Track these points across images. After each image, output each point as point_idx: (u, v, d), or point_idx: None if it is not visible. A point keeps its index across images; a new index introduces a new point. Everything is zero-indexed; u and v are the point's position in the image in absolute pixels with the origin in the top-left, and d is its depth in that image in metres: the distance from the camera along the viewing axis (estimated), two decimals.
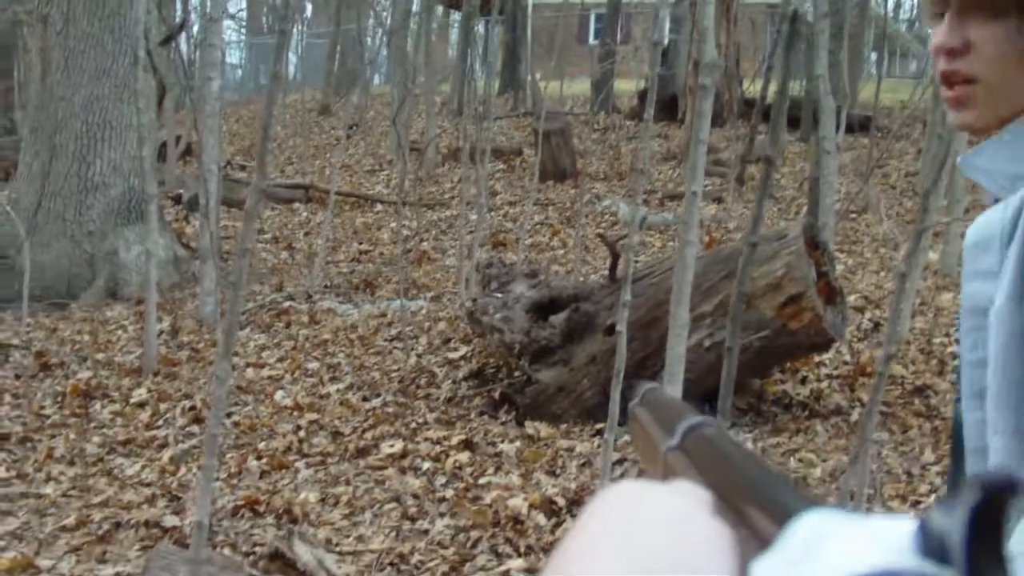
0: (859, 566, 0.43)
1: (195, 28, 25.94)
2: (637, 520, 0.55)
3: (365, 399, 7.82)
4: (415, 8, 23.98)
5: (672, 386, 5.77)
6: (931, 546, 0.42)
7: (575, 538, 0.55)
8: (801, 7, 18.69)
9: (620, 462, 6.15)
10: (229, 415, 7.34)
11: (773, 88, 18.73)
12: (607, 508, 0.58)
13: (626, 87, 24.71)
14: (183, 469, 6.45)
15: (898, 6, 46.97)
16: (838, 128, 10.88)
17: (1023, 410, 1.39)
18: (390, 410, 7.50)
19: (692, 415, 0.70)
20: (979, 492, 0.41)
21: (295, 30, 43.49)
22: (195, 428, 7.15)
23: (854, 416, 7.03)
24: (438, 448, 6.66)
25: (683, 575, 0.50)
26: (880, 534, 0.45)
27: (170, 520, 5.65)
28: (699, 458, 0.65)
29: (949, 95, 1.53)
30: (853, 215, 14.30)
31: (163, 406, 7.69)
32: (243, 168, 19.98)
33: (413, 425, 7.17)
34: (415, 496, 5.94)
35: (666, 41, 23.42)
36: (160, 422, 7.41)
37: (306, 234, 15.43)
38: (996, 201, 1.48)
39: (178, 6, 19.93)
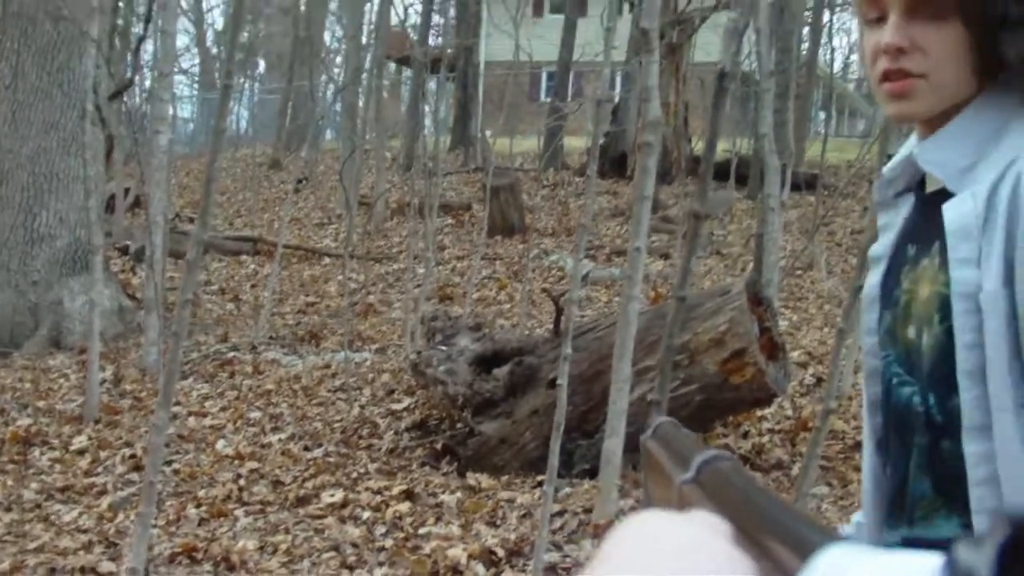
0: None
1: (147, 81, 25.92)
2: (660, 549, 0.55)
3: (307, 449, 7.79)
4: (366, 65, 24.03)
5: (613, 439, 5.81)
6: None
7: (598, 568, 0.56)
8: (747, 67, 18.85)
9: (560, 513, 6.16)
10: (169, 463, 7.30)
11: (722, 146, 18.89)
12: (629, 537, 0.58)
13: (576, 144, 24.84)
14: (121, 516, 6.41)
15: (846, 66, 47.38)
16: (784, 186, 10.98)
17: (1022, 387, 1.52)
18: (331, 460, 7.48)
19: (706, 449, 0.71)
20: (1008, 527, 0.40)
21: (247, 86, 43.52)
22: (135, 476, 7.09)
23: (795, 470, 7.06)
24: (379, 498, 6.63)
25: None
26: (906, 569, 0.45)
27: (106, 566, 5.61)
28: (715, 491, 0.65)
29: (888, 87, 1.65)
30: (799, 271, 14.41)
31: (103, 453, 7.64)
32: (191, 220, 19.87)
33: (354, 475, 7.15)
34: (354, 545, 5.92)
35: (616, 99, 23.60)
36: (99, 469, 7.36)
37: (252, 286, 15.39)
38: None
39: (129, 60, 19.88)
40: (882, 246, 1.84)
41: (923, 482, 1.66)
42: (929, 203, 1.72)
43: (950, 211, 1.58)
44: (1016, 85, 1.63)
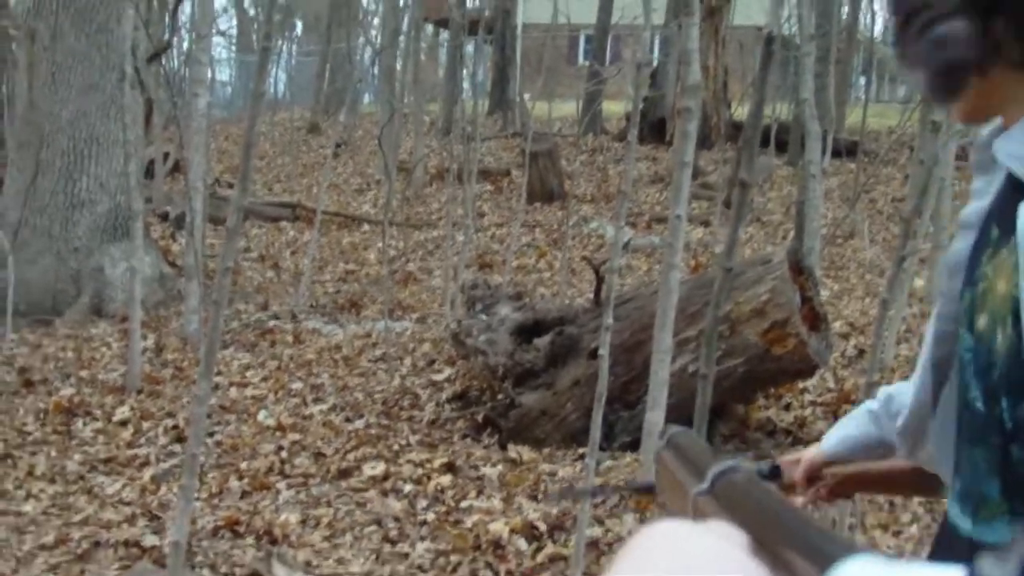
0: None
1: (185, 44, 25.95)
2: (678, 560, 0.55)
3: (348, 420, 7.79)
4: (404, 27, 23.97)
5: (655, 411, 5.77)
6: None
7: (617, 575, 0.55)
8: (787, 30, 18.75)
9: (602, 487, 6.14)
10: (211, 434, 7.32)
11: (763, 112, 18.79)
12: (648, 546, 0.58)
13: (615, 108, 24.73)
14: (164, 488, 6.43)
15: (887, 29, 47.04)
16: (824, 153, 10.90)
17: None
18: (373, 432, 7.48)
19: (721, 460, 0.70)
20: None
21: (284, 48, 43.53)
22: (177, 447, 7.11)
23: None
24: (420, 471, 6.63)
25: None
26: None
27: (150, 539, 5.63)
28: (731, 503, 0.66)
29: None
30: (839, 240, 14.32)
31: (145, 424, 7.66)
32: (231, 186, 19.89)
33: (395, 447, 7.15)
34: (396, 519, 5.93)
35: (655, 63, 23.47)
36: (142, 440, 7.38)
37: (292, 253, 15.41)
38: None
39: (167, 22, 19.87)
40: (974, 212, 1.75)
41: (992, 485, 1.62)
42: (1018, 187, 1.62)
43: None
44: None
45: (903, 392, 1.97)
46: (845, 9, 24.97)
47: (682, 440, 0.83)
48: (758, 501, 0.63)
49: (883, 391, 2.05)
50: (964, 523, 1.68)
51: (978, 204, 1.74)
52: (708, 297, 7.05)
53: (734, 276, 7.19)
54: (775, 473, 2.17)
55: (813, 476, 2.18)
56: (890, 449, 2.02)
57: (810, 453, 2.19)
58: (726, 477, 0.69)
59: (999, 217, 1.65)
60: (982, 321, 1.63)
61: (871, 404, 2.08)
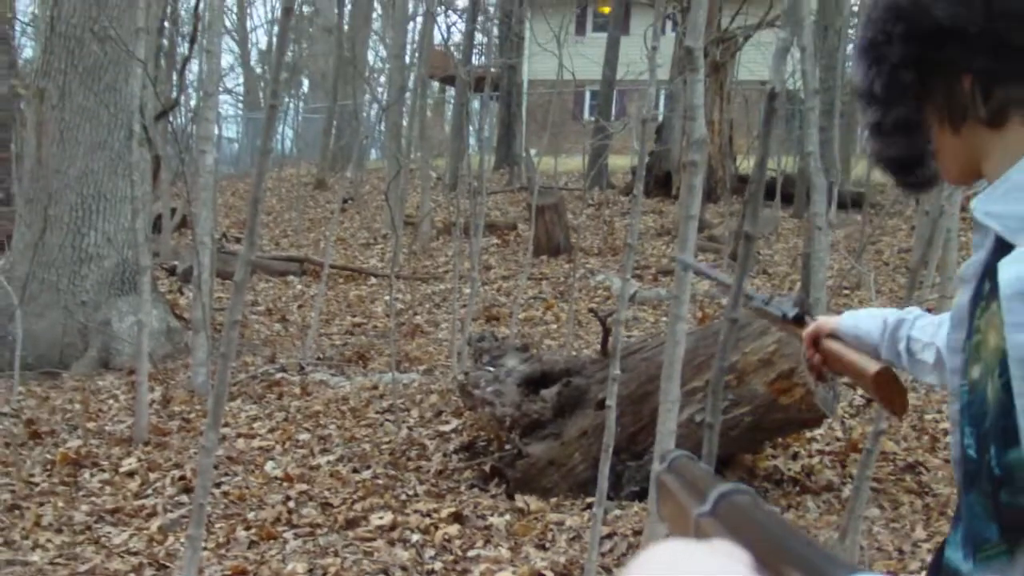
0: None
1: (192, 101, 26.11)
2: None
3: (355, 470, 7.79)
4: (410, 84, 24.11)
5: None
6: None
7: None
8: (792, 84, 18.83)
9: (610, 536, 6.13)
10: (219, 485, 7.33)
11: (768, 165, 18.87)
12: (653, 564, 0.58)
13: (621, 163, 24.85)
14: (171, 538, 6.42)
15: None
16: (830, 205, 10.93)
17: None
18: (380, 482, 7.48)
19: (723, 483, 0.70)
20: None
21: (291, 105, 43.74)
22: (184, 498, 7.12)
23: (845, 492, 7.01)
24: (427, 520, 6.63)
25: None
26: None
27: None
28: (733, 524, 0.66)
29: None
30: (846, 291, 14.33)
31: (153, 475, 7.67)
32: (238, 240, 20.02)
33: (403, 497, 7.15)
34: (403, 568, 5.91)
35: (660, 118, 23.59)
36: (149, 491, 7.38)
37: (300, 307, 15.45)
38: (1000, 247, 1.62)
39: (175, 80, 20.02)
40: (972, 266, 1.78)
41: (991, 528, 1.64)
42: (1004, 246, 1.67)
43: (1006, 270, 1.55)
44: None
45: (919, 331, 2.12)
46: (850, 63, 25.09)
47: (683, 463, 0.84)
48: (761, 523, 0.64)
49: (904, 320, 2.18)
50: (965, 566, 1.70)
51: (976, 258, 1.78)
52: (715, 348, 7.09)
53: (741, 327, 7.22)
54: (799, 319, 2.46)
55: (816, 338, 2.38)
56: (878, 355, 2.20)
57: (824, 319, 2.39)
58: (728, 499, 0.69)
59: (991, 272, 1.68)
60: (975, 372, 1.68)
61: (892, 315, 2.21)
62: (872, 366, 2.16)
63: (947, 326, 1.87)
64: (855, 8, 23.66)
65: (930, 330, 2.12)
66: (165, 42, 21.82)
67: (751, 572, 0.57)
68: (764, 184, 2.43)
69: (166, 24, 21.38)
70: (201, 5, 13.91)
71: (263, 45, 51.56)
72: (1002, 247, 1.64)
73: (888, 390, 2.15)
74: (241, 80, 51.78)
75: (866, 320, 2.27)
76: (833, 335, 2.33)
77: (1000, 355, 1.59)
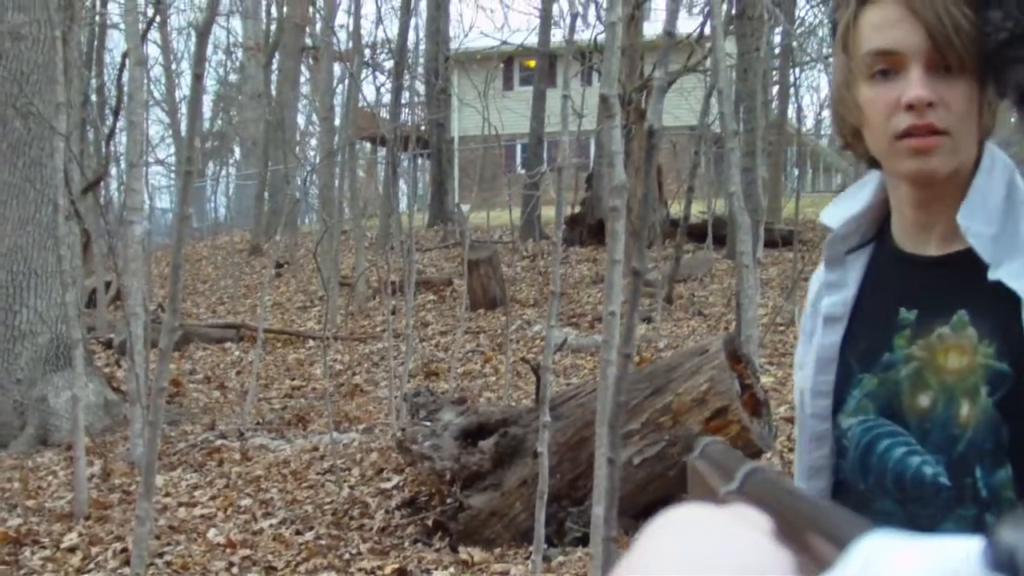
0: None
1: (124, 173, 26.01)
2: (700, 545, 0.56)
3: (298, 533, 7.77)
4: (337, 145, 24.18)
5: (601, 505, 5.79)
6: (999, 560, 0.42)
7: (636, 563, 0.57)
8: (717, 128, 19.01)
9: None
10: (160, 555, 7.29)
11: (696, 208, 19.02)
12: (669, 532, 0.59)
13: (553, 214, 24.88)
14: None
15: (818, 122, 47.94)
16: (758, 243, 11.02)
17: None
18: (323, 542, 7.46)
19: (751, 462, 0.73)
20: None
21: (224, 173, 43.67)
22: (126, 570, 7.04)
23: None
24: None
25: None
26: (946, 552, 0.45)
27: None
28: (758, 497, 0.67)
29: (914, 143, 1.61)
30: (781, 327, 14.43)
31: (95, 550, 7.61)
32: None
33: (347, 556, 7.14)
34: None
35: (591, 166, 23.73)
36: (91, 566, 7.32)
37: (238, 373, 15.38)
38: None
39: (103, 152, 19.99)
40: (839, 305, 1.82)
41: None
42: (934, 267, 1.72)
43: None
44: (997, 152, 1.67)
45: None
46: (775, 103, 25.38)
47: (715, 449, 0.86)
48: (786, 494, 0.65)
49: None
50: None
51: (840, 296, 1.82)
52: (648, 390, 7.16)
53: (673, 367, 7.31)
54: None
55: None
56: None
57: None
58: (756, 475, 0.71)
59: (908, 298, 1.73)
60: (921, 400, 1.68)
61: None
62: None
63: (807, 370, 1.88)
64: (776, 50, 24.01)
65: None
66: (94, 115, 21.79)
67: (770, 537, 0.58)
68: (652, 224, 2.48)
69: (92, 97, 21.36)
70: (124, 76, 13.93)
71: None
72: (920, 273, 1.72)
73: None
74: (173, 150, 51.65)
75: None
76: None
77: (983, 374, 1.63)
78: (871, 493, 1.76)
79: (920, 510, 1.70)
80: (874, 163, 1.76)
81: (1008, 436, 1.61)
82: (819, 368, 1.83)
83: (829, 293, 1.85)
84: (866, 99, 1.66)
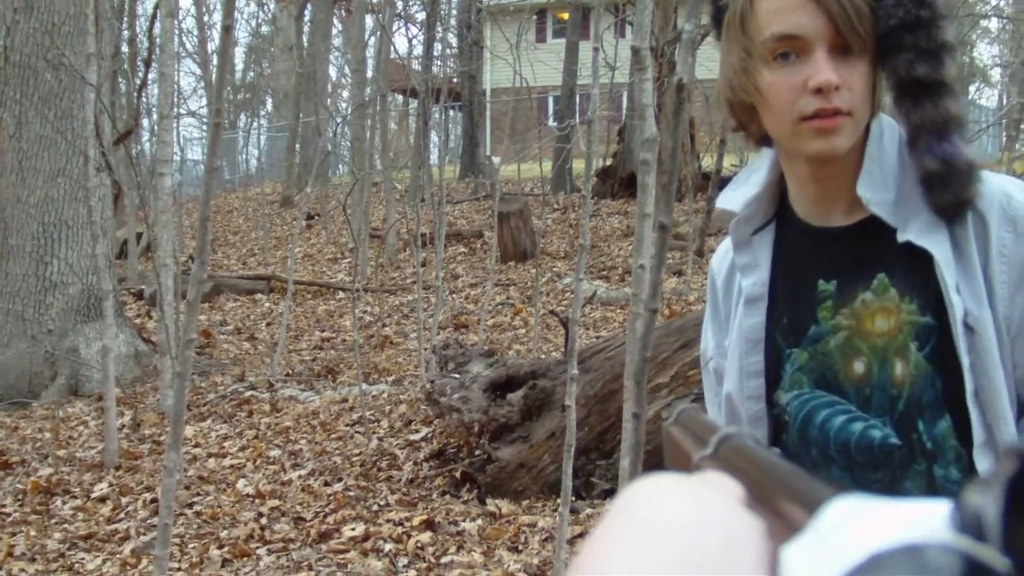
0: (887, 540, 0.42)
1: (155, 125, 26.02)
2: (665, 513, 0.54)
3: (327, 484, 7.80)
4: (368, 97, 24.12)
5: (628, 459, 5.79)
6: (967, 522, 0.41)
7: (600, 536, 0.56)
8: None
9: (581, 535, 6.15)
10: (191, 505, 7.33)
11: (728, 161, 18.92)
12: (635, 503, 0.58)
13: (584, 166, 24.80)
14: (144, 562, 6.42)
15: None
16: None
17: (1014, 401, 1.63)
18: (352, 494, 7.48)
19: (726, 428, 0.72)
20: (1016, 464, 0.40)
21: (255, 125, 43.65)
22: (155, 520, 7.10)
23: None
24: (400, 529, 6.64)
25: (714, 574, 0.51)
26: (915, 514, 0.44)
27: None
28: (733, 464, 0.66)
29: (819, 124, 1.65)
30: None
31: (124, 500, 7.66)
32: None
33: (375, 507, 7.16)
34: None
35: (623, 119, 23.63)
36: (121, 516, 7.37)
37: (268, 324, 15.42)
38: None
39: (135, 104, 19.96)
40: (757, 285, 1.86)
41: None
42: (844, 237, 1.76)
43: (935, 247, 1.63)
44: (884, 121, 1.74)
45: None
46: None
47: (690, 415, 0.85)
48: (760, 461, 0.64)
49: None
50: None
51: (758, 276, 1.86)
52: (678, 343, 7.13)
53: (695, 323, 7.25)
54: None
55: None
56: None
57: None
58: (730, 441, 0.70)
59: (824, 269, 1.78)
60: (855, 366, 1.73)
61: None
62: None
63: (734, 354, 1.90)
64: None
65: None
66: (126, 66, 21.78)
67: (740, 503, 0.57)
68: (676, 176, 2.44)
69: (124, 48, 21.34)
70: (156, 28, 13.92)
71: None
72: (826, 244, 1.78)
73: None
74: (204, 102, 51.62)
75: None
76: None
77: (911, 331, 1.67)
78: (816, 464, 1.79)
79: (871, 474, 1.73)
80: (763, 142, 1.82)
81: (942, 386, 1.66)
82: (747, 349, 1.86)
83: (744, 275, 1.89)
84: (768, 83, 1.69)
